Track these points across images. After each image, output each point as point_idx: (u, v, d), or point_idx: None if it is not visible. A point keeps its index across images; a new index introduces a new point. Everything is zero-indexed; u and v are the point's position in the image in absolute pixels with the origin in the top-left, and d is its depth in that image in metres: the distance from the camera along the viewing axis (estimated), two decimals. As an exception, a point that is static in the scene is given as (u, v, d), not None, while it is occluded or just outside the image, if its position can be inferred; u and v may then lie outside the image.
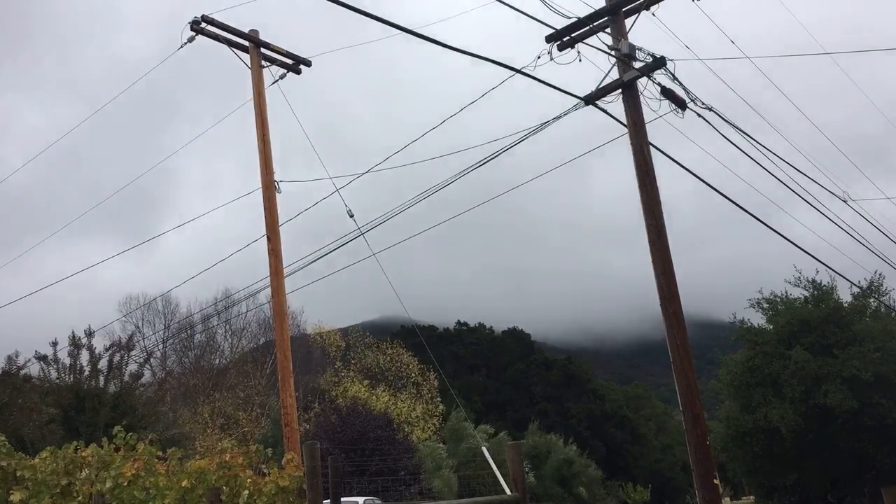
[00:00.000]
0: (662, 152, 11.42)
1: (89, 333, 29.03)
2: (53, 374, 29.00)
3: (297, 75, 15.60)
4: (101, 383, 28.67)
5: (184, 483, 10.18)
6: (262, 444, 12.41)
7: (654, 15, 11.87)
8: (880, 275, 30.14)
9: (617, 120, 11.33)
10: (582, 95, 11.49)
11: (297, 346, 43.64)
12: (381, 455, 27.35)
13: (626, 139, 11.21)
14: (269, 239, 13.86)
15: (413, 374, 46.38)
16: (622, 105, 11.22)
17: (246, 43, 14.93)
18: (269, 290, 13.91)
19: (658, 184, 10.92)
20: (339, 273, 16.61)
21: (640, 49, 11.14)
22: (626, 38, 11.29)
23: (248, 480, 9.93)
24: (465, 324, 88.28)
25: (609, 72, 11.39)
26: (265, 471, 10.30)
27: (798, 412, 27.51)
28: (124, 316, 49.95)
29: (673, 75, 11.15)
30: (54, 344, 28.70)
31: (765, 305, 31.75)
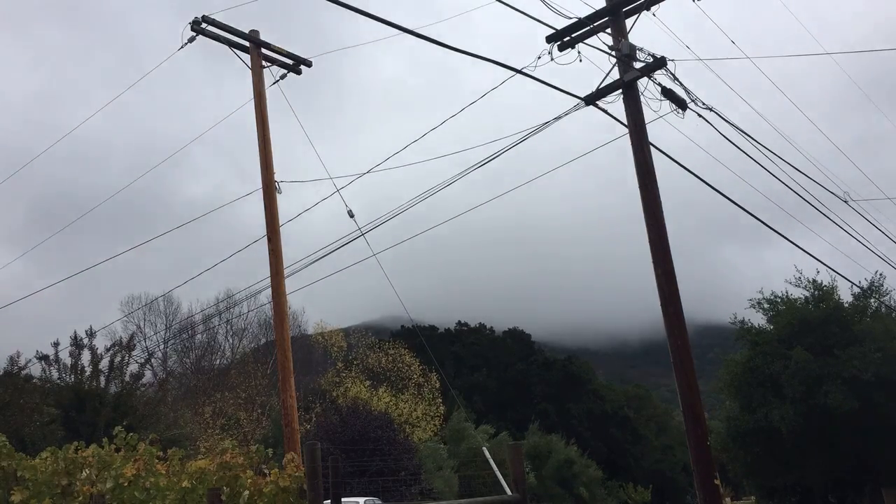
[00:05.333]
0: (663, 152, 11.42)
1: (90, 334, 29.09)
2: (55, 375, 29.05)
3: (297, 75, 15.61)
4: (102, 383, 28.70)
5: (184, 483, 10.17)
6: (262, 445, 12.41)
7: (654, 15, 11.87)
8: (881, 275, 30.17)
9: (617, 120, 11.33)
10: (582, 95, 11.49)
11: (298, 347, 43.71)
12: (382, 455, 27.39)
13: (627, 139, 11.21)
14: (269, 239, 13.85)
15: (415, 375, 46.35)
16: (622, 105, 11.21)
17: (246, 43, 14.92)
18: (269, 291, 13.92)
19: (658, 184, 10.91)
20: (340, 273, 16.60)
21: (640, 49, 11.13)
22: (626, 39, 11.28)
23: (249, 481, 9.93)
24: (466, 324, 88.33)
25: (609, 72, 11.39)
26: (266, 471, 10.29)
27: (798, 412, 27.50)
28: (126, 316, 50.07)
29: (673, 75, 11.15)
30: (56, 344, 28.77)
31: (765, 306, 31.74)
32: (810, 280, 30.93)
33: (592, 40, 11.69)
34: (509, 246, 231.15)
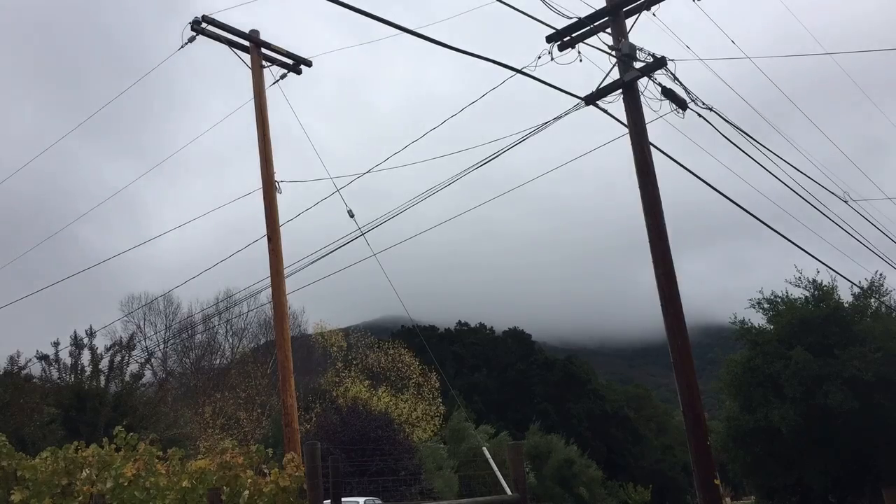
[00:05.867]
0: (663, 152, 11.42)
1: (90, 333, 29.12)
2: (55, 374, 29.08)
3: (297, 75, 15.60)
4: (103, 383, 28.72)
5: (184, 483, 10.18)
6: (262, 445, 12.41)
7: (654, 15, 11.86)
8: (881, 275, 30.16)
9: (617, 120, 11.32)
10: (582, 95, 11.49)
11: (298, 346, 43.70)
12: (382, 455, 27.38)
13: (626, 139, 11.20)
14: (269, 238, 13.85)
15: (414, 375, 46.34)
16: (622, 105, 11.20)
17: (246, 43, 14.93)
18: (269, 290, 13.91)
19: (658, 184, 10.90)
20: (340, 273, 16.58)
21: (640, 49, 11.12)
22: (626, 38, 11.27)
23: (249, 480, 9.93)
24: (466, 324, 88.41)
25: (609, 72, 11.38)
26: (266, 471, 10.29)
27: (799, 412, 27.50)
28: (126, 315, 50.06)
29: (673, 75, 11.14)
30: (56, 344, 28.80)
31: (765, 305, 31.72)
32: (810, 280, 30.94)
33: (592, 40, 11.68)
34: (509, 246, 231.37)
